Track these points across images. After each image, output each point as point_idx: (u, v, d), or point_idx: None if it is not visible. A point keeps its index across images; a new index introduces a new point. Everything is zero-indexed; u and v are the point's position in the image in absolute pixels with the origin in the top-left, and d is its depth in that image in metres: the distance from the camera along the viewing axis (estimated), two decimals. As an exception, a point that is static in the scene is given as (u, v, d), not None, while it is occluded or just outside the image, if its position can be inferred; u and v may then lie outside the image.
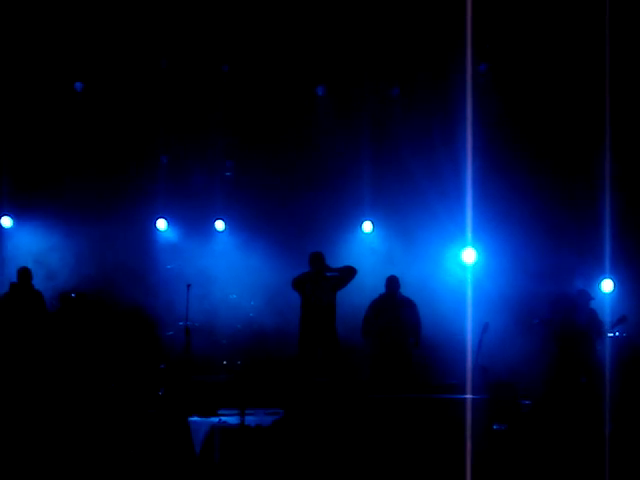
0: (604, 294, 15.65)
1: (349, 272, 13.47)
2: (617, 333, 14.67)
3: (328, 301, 13.38)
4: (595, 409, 11.78)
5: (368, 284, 14.54)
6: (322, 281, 13.36)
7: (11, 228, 16.96)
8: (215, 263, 16.82)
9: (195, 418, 11.98)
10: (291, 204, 16.82)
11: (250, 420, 11.68)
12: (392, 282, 14.27)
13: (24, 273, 14.57)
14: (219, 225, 17.35)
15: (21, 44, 16.04)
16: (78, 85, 16.95)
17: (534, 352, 14.20)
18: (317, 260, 13.39)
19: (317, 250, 13.55)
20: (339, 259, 13.94)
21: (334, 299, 13.42)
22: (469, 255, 15.63)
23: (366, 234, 17.24)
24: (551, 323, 13.70)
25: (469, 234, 14.78)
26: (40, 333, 14.46)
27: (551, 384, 13.45)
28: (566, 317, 13.55)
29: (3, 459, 11.00)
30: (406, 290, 14.35)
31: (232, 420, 11.82)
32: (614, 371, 13.15)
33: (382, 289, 14.34)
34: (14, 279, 14.64)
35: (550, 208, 15.79)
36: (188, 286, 14.84)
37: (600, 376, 13.14)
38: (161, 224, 17.23)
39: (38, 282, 14.76)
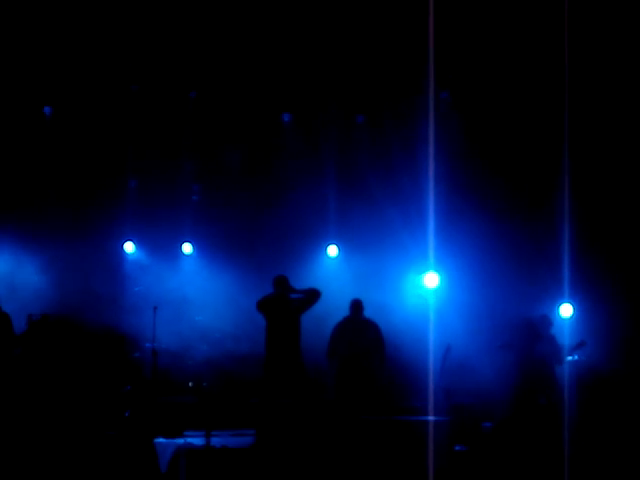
0: (563, 318, 15.88)
1: (313, 294, 13.56)
2: (576, 357, 14.92)
3: (292, 323, 13.44)
4: (554, 431, 11.98)
5: (333, 307, 14.65)
6: (286, 303, 13.46)
7: (-22, 250, 17.01)
8: (182, 285, 16.93)
9: (161, 439, 12.05)
10: (257, 228, 16.93)
11: (216, 441, 11.78)
12: (356, 305, 14.42)
13: (-9, 296, 14.62)
14: (186, 248, 17.46)
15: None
16: (47, 109, 17.08)
17: (495, 375, 14.39)
18: (281, 283, 13.48)
19: (281, 273, 13.71)
20: (304, 282, 14.00)
21: (298, 321, 13.49)
22: (431, 279, 15.81)
23: (331, 258, 17.44)
24: (512, 348, 13.88)
25: (432, 258, 14.97)
26: (6, 355, 14.50)
27: (512, 406, 13.62)
28: (527, 343, 13.74)
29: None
30: (370, 313, 14.52)
31: (198, 441, 11.88)
32: (573, 394, 13.39)
33: (346, 312, 14.51)
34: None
35: (511, 232, 15.98)
36: (155, 308, 14.93)
37: (559, 399, 13.36)
38: (129, 247, 17.33)
39: (4, 304, 14.79)
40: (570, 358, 14.53)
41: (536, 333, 13.68)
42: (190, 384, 15.59)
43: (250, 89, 16.59)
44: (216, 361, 15.87)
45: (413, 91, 14.67)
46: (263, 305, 13.46)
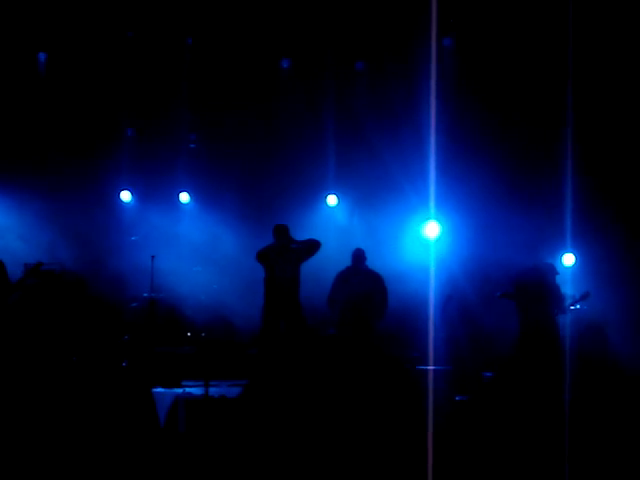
0: (565, 267, 15.78)
1: (313, 245, 13.52)
2: (579, 306, 14.81)
3: (292, 273, 13.40)
4: (555, 380, 11.90)
5: (332, 257, 14.57)
6: (286, 253, 13.38)
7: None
8: (179, 235, 16.83)
9: (159, 389, 12.00)
10: (255, 177, 16.84)
11: (214, 391, 11.72)
12: (358, 255, 14.26)
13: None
14: (183, 197, 17.35)
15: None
16: (42, 56, 16.85)
17: (496, 324, 14.31)
18: (282, 232, 13.41)
19: (282, 222, 13.59)
20: (304, 232, 13.96)
21: (298, 272, 13.46)
22: (432, 228, 15.67)
23: (331, 207, 17.30)
24: (514, 296, 13.76)
25: (432, 207, 14.81)
26: (2, 301, 14.41)
27: (512, 355, 13.55)
28: (531, 290, 13.60)
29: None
30: (370, 263, 14.39)
31: (196, 391, 11.85)
32: (574, 343, 13.30)
33: (346, 262, 14.33)
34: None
35: (513, 181, 15.88)
36: (152, 257, 14.84)
37: (561, 348, 13.28)
38: (125, 196, 17.20)
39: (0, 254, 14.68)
40: (573, 308, 14.41)
41: (540, 279, 13.53)
42: (188, 334, 15.55)
43: (248, 34, 16.38)
44: (214, 311, 15.82)
45: (414, 36, 14.41)
46: (263, 255, 13.39)
